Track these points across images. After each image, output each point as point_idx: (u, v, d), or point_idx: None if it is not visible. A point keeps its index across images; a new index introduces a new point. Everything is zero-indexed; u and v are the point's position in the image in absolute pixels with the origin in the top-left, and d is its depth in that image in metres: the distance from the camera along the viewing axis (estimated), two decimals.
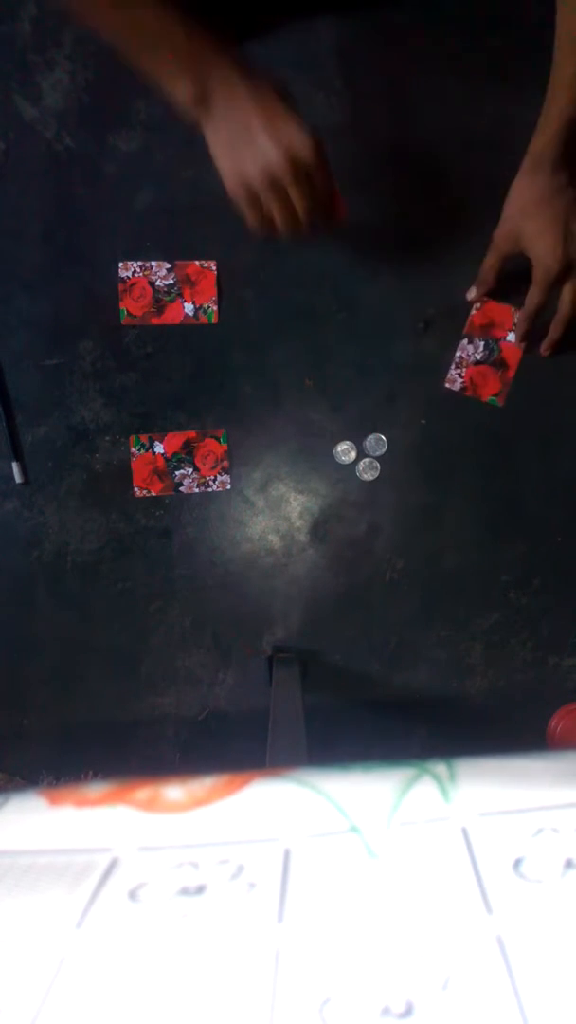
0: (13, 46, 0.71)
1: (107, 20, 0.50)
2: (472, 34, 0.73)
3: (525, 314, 0.71)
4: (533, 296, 0.68)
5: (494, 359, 0.75)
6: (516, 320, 0.74)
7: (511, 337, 0.75)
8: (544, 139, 0.60)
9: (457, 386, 0.75)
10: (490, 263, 0.70)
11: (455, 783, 0.26)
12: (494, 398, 0.76)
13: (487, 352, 0.75)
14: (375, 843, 0.23)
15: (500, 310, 0.74)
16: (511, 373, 0.75)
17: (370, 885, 0.22)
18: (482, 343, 0.75)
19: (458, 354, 0.75)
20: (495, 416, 0.77)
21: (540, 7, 0.73)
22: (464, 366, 0.75)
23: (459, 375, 0.75)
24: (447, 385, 0.75)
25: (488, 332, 0.75)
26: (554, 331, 0.72)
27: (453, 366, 0.75)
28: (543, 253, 0.64)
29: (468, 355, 0.75)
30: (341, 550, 0.78)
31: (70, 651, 0.77)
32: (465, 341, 0.75)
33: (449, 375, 0.75)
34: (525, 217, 0.64)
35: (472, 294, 0.73)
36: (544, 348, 0.74)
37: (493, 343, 0.75)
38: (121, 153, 0.73)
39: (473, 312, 0.75)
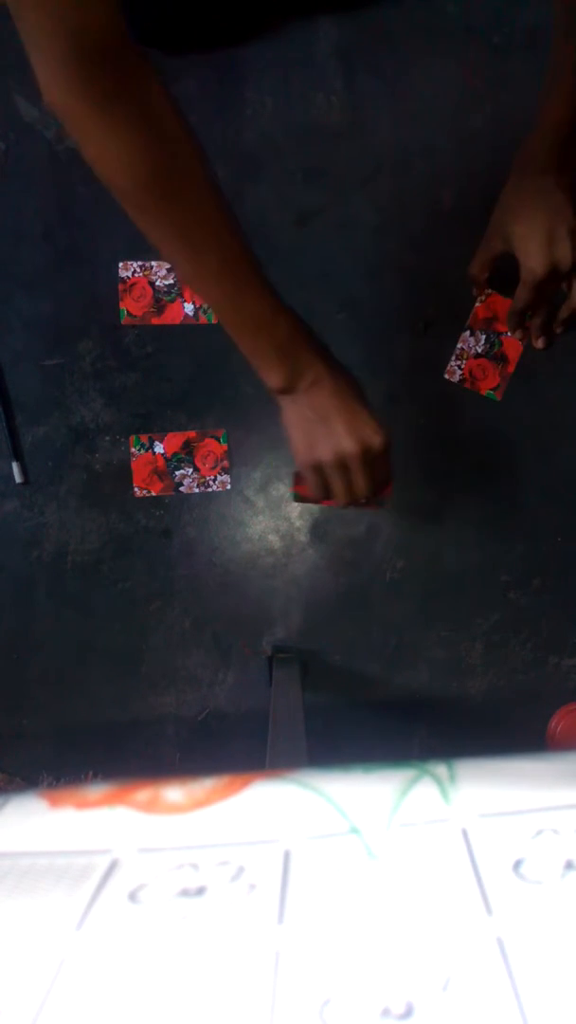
0: (13, 46, 0.71)
1: (212, 294, 0.52)
2: (472, 34, 0.73)
3: (511, 312, 0.71)
4: (520, 295, 0.69)
5: (495, 353, 0.75)
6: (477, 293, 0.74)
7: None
8: (535, 140, 0.61)
9: (456, 378, 0.75)
10: (478, 261, 0.70)
11: (455, 784, 0.26)
12: (492, 392, 0.76)
13: (488, 345, 0.75)
14: (375, 844, 0.23)
15: (505, 304, 0.74)
16: (511, 368, 0.75)
17: (370, 886, 0.22)
18: (484, 336, 0.75)
19: (459, 346, 0.75)
20: (495, 415, 0.77)
21: (540, 7, 0.73)
22: (464, 358, 0.75)
23: (459, 367, 0.75)
24: (446, 376, 0.75)
25: (491, 326, 0.75)
26: (550, 331, 0.73)
27: (454, 358, 0.75)
28: (529, 255, 0.65)
29: (469, 347, 0.75)
30: (341, 550, 0.78)
31: (70, 651, 0.77)
32: (467, 333, 0.75)
33: (449, 367, 0.75)
34: (513, 218, 0.65)
35: (477, 291, 0.74)
36: (541, 344, 0.74)
37: (495, 337, 0.75)
38: None
39: (477, 305, 0.75)
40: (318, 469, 0.58)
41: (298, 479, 0.67)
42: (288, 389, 0.54)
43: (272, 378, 0.54)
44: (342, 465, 0.56)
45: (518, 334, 0.74)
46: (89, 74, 0.40)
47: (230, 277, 0.50)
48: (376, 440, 0.56)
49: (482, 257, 0.70)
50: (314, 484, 0.60)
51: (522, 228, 0.64)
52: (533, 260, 0.65)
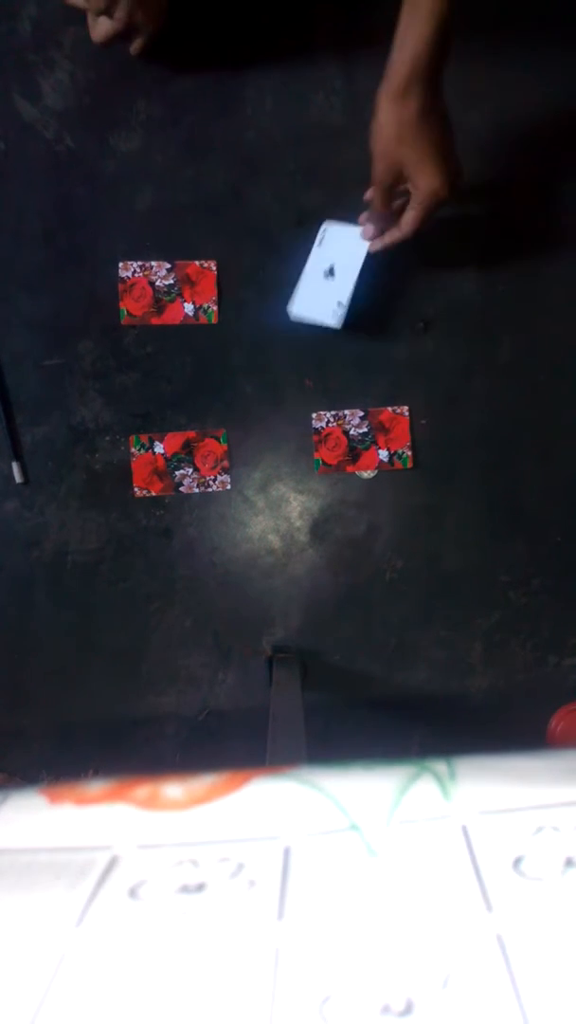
0: (13, 46, 0.71)
1: None
2: (471, 33, 0.73)
3: (398, 236, 0.67)
4: (413, 220, 0.65)
5: None
6: (382, 231, 0.69)
7: (364, 234, 0.71)
8: (411, 56, 0.57)
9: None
10: (377, 197, 0.66)
11: (455, 781, 0.26)
12: None
13: None
14: (375, 841, 0.23)
15: None
16: None
17: (370, 883, 0.22)
18: None
19: None
20: (495, 415, 0.77)
21: (539, 6, 0.73)
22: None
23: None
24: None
25: None
26: (406, 229, 0.67)
27: None
28: (428, 177, 0.61)
29: None
30: (341, 550, 0.78)
31: (70, 651, 0.77)
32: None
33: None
34: (402, 145, 0.61)
35: (377, 244, 0.70)
36: (407, 232, 0.68)
37: None
38: (121, 153, 0.73)
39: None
40: None
41: None
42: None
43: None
44: None
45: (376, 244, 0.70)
46: None
47: None
48: None
49: (379, 191, 0.65)
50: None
51: (415, 152, 0.61)
52: (435, 182, 0.61)
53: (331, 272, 0.72)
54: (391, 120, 0.61)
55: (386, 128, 0.61)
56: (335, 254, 0.72)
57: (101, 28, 0.67)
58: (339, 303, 0.71)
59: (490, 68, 0.74)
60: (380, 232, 0.70)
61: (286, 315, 0.73)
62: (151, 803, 0.26)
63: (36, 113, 0.72)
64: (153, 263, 0.74)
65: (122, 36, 0.67)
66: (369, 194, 0.68)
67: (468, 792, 0.25)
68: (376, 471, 0.77)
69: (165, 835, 0.24)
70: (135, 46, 0.69)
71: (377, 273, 0.75)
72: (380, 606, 0.78)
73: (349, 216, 0.71)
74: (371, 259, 0.71)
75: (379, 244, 0.70)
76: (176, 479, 0.76)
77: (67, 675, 0.77)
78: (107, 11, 0.64)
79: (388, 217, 0.68)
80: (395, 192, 0.65)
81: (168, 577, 0.77)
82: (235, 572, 0.77)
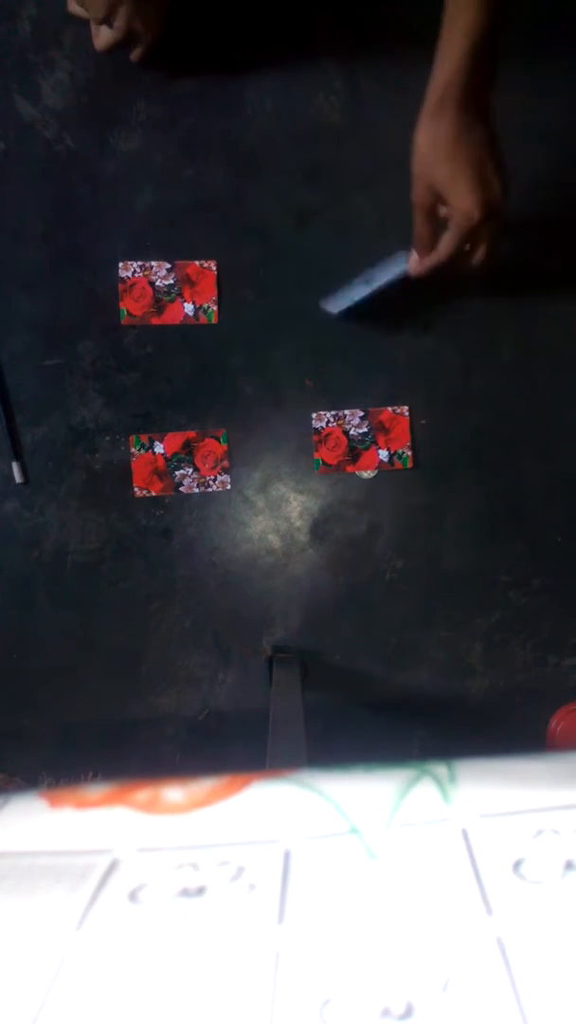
0: (13, 46, 0.71)
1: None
2: None
3: (435, 259, 0.65)
4: (448, 243, 0.63)
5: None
6: (422, 258, 0.67)
7: (410, 263, 0.69)
8: (446, 74, 0.56)
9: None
10: (418, 221, 0.64)
11: (455, 784, 0.26)
12: None
13: None
14: (375, 844, 0.23)
15: None
16: None
17: (370, 886, 0.22)
18: None
19: None
20: (495, 414, 0.77)
21: (539, 6, 0.73)
22: None
23: None
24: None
25: None
26: (464, 270, 0.67)
27: None
28: (462, 197, 0.59)
29: None
30: (341, 550, 0.78)
31: (70, 651, 0.77)
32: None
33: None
34: (436, 163, 0.59)
35: (415, 266, 0.68)
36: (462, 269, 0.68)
37: None
38: (121, 153, 0.73)
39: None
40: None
41: None
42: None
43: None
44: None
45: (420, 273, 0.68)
46: None
47: None
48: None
49: (420, 215, 0.64)
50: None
51: (448, 171, 0.59)
52: (467, 202, 0.59)
53: (367, 281, 0.72)
54: (427, 138, 0.60)
55: (423, 147, 0.60)
56: (382, 269, 0.72)
57: (103, 37, 0.67)
58: (351, 299, 0.72)
59: None
60: (423, 276, 0.68)
61: (286, 315, 0.73)
62: (151, 807, 0.26)
63: (36, 113, 0.72)
64: (153, 263, 0.74)
65: (122, 45, 0.68)
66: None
67: (468, 795, 0.25)
68: (376, 471, 0.77)
69: (165, 839, 0.24)
70: (135, 54, 0.69)
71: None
72: (380, 606, 0.78)
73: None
74: (371, 258, 0.71)
75: (418, 267, 0.68)
76: (176, 479, 0.76)
77: (67, 675, 0.77)
78: (107, 20, 0.64)
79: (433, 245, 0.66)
80: (436, 216, 0.64)
81: (168, 577, 0.77)
82: (235, 572, 0.77)
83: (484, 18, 0.53)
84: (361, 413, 0.76)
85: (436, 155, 0.59)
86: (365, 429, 0.76)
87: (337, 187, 0.74)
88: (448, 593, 0.78)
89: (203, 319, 0.75)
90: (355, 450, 0.76)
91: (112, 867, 0.23)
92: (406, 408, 0.76)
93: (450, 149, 0.58)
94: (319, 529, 0.78)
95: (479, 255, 0.65)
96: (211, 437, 0.76)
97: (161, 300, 0.74)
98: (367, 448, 0.76)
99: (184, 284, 0.74)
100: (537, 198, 0.76)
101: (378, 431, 0.76)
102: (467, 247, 0.64)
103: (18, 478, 0.74)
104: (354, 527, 0.77)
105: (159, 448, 0.75)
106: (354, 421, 0.76)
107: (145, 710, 0.78)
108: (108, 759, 0.77)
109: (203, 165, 0.74)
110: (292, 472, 0.77)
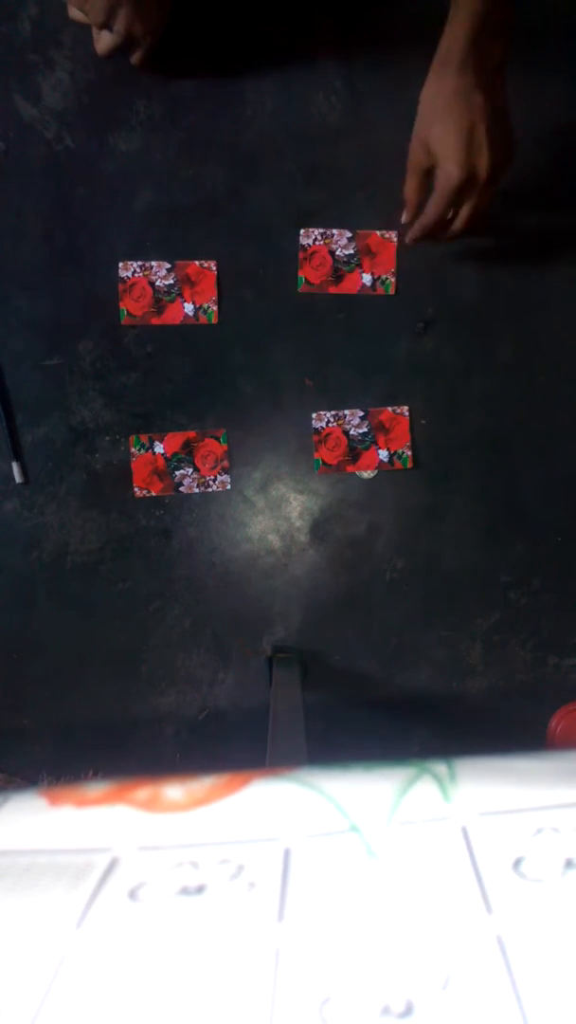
0: (13, 46, 0.71)
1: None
2: None
3: (421, 224, 0.66)
4: (433, 205, 0.63)
5: None
6: (413, 223, 0.67)
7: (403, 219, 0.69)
8: (451, 37, 0.57)
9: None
10: (410, 182, 0.65)
11: (455, 783, 0.26)
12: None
13: None
14: (375, 842, 0.23)
15: None
16: None
17: (370, 884, 0.22)
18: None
19: None
20: (495, 414, 0.77)
21: (538, 7, 0.73)
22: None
23: None
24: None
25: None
26: (444, 234, 0.67)
27: None
28: (447, 158, 0.60)
29: None
30: (341, 550, 0.78)
31: (70, 651, 0.77)
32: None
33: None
34: (431, 121, 0.60)
35: (404, 217, 0.68)
36: (441, 237, 0.68)
37: None
38: (121, 153, 0.73)
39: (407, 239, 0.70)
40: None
41: None
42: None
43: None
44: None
45: (410, 242, 0.69)
46: None
47: None
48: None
49: (412, 176, 0.65)
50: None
51: (440, 131, 0.60)
52: (451, 162, 0.60)
53: None
54: (428, 96, 0.60)
55: (423, 104, 0.61)
56: None
57: (103, 41, 0.68)
58: None
59: None
60: (415, 241, 0.69)
61: (286, 315, 0.73)
62: (151, 805, 0.26)
63: (36, 113, 0.72)
64: (153, 263, 0.74)
65: (122, 48, 0.68)
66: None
67: (468, 793, 0.25)
68: (376, 471, 0.77)
69: (165, 837, 0.24)
70: (135, 57, 0.69)
71: None
72: (380, 606, 0.78)
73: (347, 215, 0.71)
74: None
75: (410, 234, 0.68)
76: (176, 479, 0.76)
77: (67, 675, 0.77)
78: (107, 24, 0.64)
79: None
80: (428, 178, 0.64)
81: (168, 577, 0.77)
82: (235, 572, 0.77)
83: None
84: (361, 413, 0.76)
85: (433, 113, 0.60)
86: (365, 429, 0.76)
87: (337, 187, 0.74)
88: (448, 593, 0.78)
89: (203, 319, 0.75)
90: (355, 450, 0.76)
91: (112, 865, 0.23)
92: (406, 408, 0.76)
93: (446, 108, 0.59)
94: (319, 529, 0.78)
95: (460, 220, 0.64)
96: (211, 437, 0.76)
97: (161, 300, 0.74)
98: (367, 448, 0.76)
99: (184, 284, 0.74)
100: (537, 198, 0.76)
101: (378, 431, 0.76)
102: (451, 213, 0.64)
103: (18, 478, 0.74)
104: (354, 527, 0.77)
105: (159, 448, 0.75)
106: (354, 421, 0.76)
107: (145, 710, 0.78)
108: (108, 759, 0.77)
109: (203, 165, 0.74)
110: (292, 472, 0.77)
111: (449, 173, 0.60)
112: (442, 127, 0.59)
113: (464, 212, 0.64)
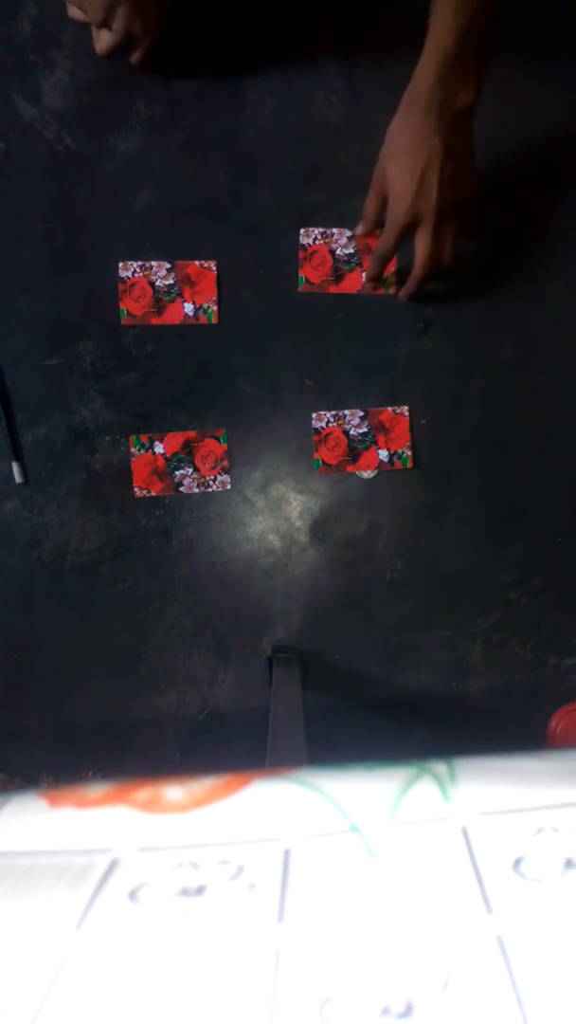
0: (13, 46, 0.71)
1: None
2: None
3: (373, 257, 0.69)
4: (382, 239, 0.66)
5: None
6: (362, 231, 0.71)
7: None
8: (419, 76, 0.58)
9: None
10: (369, 200, 0.68)
11: (455, 783, 0.26)
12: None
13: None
14: (375, 843, 0.23)
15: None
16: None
17: (370, 885, 0.22)
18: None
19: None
20: (495, 414, 0.77)
21: (537, 7, 0.73)
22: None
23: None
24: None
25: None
26: (409, 284, 0.70)
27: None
28: (396, 199, 0.62)
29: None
30: (341, 550, 0.78)
31: (70, 651, 0.77)
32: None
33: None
34: (391, 157, 0.62)
35: (359, 229, 0.71)
36: (401, 295, 0.72)
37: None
38: (121, 153, 0.73)
39: (364, 253, 0.74)
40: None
41: None
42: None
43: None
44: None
45: (369, 285, 0.73)
46: None
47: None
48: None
49: (373, 194, 0.67)
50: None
51: (395, 169, 0.62)
52: (398, 204, 0.62)
53: None
54: (391, 132, 0.62)
55: (388, 136, 0.63)
56: None
57: (103, 40, 0.68)
58: None
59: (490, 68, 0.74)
60: (373, 278, 0.72)
61: (286, 315, 0.73)
62: (151, 806, 0.26)
63: (36, 113, 0.72)
64: (153, 263, 0.74)
65: (122, 47, 0.68)
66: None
67: (468, 793, 0.25)
68: (376, 471, 0.77)
69: (165, 838, 0.24)
70: (134, 56, 0.69)
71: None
72: (380, 606, 0.78)
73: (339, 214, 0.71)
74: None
75: (367, 273, 0.72)
76: (176, 479, 0.76)
77: (67, 675, 0.77)
78: (106, 23, 0.64)
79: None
80: (385, 198, 0.66)
81: (168, 577, 0.77)
82: (235, 572, 0.77)
83: (456, 32, 0.55)
84: (361, 413, 0.76)
85: (393, 149, 0.62)
86: (365, 429, 0.76)
87: (337, 187, 0.74)
88: (448, 593, 0.78)
89: (203, 319, 0.75)
90: (355, 450, 0.76)
91: (112, 866, 0.23)
92: (406, 408, 0.76)
93: (404, 148, 0.61)
94: (319, 529, 0.78)
95: (418, 263, 0.67)
96: (211, 437, 0.76)
97: (161, 300, 0.74)
98: (367, 448, 0.76)
99: (184, 284, 0.74)
100: (537, 198, 0.76)
101: (378, 431, 0.76)
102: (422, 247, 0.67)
103: (18, 478, 0.74)
104: (354, 527, 0.77)
105: (159, 448, 0.75)
106: (354, 421, 0.76)
107: (145, 710, 0.78)
108: (108, 759, 0.77)
109: (203, 165, 0.74)
110: (292, 472, 0.77)
111: (395, 213, 0.63)
112: (399, 167, 0.61)
113: (419, 253, 0.66)
